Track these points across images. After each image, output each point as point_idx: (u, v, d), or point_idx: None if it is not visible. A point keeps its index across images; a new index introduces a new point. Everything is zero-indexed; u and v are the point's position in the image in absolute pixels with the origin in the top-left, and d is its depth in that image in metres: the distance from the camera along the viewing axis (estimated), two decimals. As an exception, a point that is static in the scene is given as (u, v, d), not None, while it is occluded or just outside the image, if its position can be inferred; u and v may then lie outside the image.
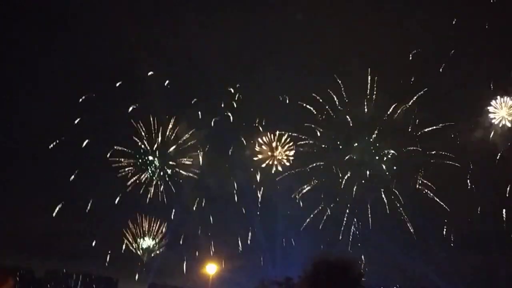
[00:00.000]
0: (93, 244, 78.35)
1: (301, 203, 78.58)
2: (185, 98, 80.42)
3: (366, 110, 77.74)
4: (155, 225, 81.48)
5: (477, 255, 70.93)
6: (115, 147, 78.13)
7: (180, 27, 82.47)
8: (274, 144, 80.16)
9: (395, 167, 78.51)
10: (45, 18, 79.46)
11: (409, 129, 76.99)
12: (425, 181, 76.17)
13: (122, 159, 78.38)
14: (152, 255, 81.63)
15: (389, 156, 78.70)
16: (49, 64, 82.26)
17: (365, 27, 78.04)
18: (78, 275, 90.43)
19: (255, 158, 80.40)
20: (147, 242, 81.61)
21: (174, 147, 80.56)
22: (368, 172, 79.26)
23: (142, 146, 79.91)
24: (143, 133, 79.59)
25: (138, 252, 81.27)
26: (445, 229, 75.95)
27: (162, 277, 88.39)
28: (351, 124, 78.71)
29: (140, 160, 79.87)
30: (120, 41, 76.95)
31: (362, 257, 73.02)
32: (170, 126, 79.53)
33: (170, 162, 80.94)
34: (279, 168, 79.96)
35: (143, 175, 79.55)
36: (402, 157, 78.13)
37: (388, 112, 77.25)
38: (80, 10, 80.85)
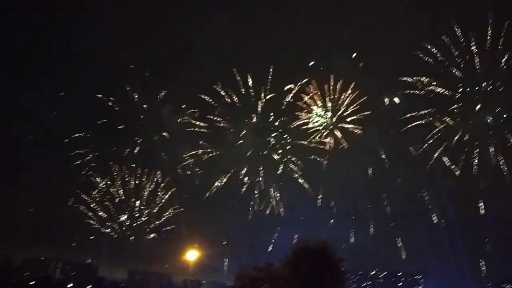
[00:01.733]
0: (73, 230, 78.50)
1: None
2: (168, 90, 79.55)
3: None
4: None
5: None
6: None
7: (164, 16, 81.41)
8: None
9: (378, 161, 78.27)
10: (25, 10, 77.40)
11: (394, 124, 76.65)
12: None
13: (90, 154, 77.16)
14: (149, 236, 79.81)
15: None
16: (31, 58, 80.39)
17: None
18: (57, 262, 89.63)
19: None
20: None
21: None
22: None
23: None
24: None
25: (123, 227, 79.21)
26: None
27: (142, 264, 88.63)
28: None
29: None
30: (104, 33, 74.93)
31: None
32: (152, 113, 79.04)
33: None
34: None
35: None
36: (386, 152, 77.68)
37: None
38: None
